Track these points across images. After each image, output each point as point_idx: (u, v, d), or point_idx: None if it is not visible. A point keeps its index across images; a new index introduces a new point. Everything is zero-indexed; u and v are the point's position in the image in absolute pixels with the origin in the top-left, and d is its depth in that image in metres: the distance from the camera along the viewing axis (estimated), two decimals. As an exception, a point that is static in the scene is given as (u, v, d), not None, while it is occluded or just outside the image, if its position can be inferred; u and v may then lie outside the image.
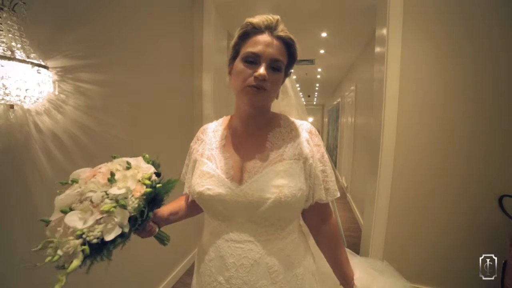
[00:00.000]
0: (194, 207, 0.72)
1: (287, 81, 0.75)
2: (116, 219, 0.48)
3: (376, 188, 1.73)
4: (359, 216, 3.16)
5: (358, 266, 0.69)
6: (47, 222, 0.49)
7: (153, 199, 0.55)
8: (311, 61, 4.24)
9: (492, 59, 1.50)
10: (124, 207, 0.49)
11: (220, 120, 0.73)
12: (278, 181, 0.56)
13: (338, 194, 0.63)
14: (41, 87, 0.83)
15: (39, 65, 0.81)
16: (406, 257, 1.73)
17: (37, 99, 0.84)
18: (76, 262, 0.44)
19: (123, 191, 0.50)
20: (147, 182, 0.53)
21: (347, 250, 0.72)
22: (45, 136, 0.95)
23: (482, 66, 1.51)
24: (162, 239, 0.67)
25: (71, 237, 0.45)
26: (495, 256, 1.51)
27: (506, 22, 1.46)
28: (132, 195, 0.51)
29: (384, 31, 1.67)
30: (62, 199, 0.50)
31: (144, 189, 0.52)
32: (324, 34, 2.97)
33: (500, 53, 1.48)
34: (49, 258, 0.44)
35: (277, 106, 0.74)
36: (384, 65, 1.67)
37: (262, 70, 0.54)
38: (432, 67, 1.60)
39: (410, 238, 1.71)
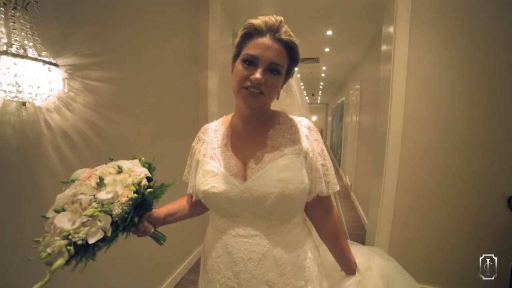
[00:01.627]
0: (197, 206, 0.73)
1: (293, 81, 0.76)
2: (99, 223, 0.49)
3: (382, 187, 1.72)
4: (363, 215, 3.14)
5: (358, 251, 0.74)
6: (46, 218, 0.51)
7: (140, 204, 0.55)
8: (315, 60, 4.22)
9: (498, 58, 1.48)
10: (107, 212, 0.50)
11: (221, 120, 0.74)
12: (281, 175, 0.57)
13: (338, 187, 0.65)
14: (52, 85, 0.84)
15: (50, 63, 0.82)
16: (411, 256, 1.72)
17: (48, 96, 0.85)
18: (60, 261, 0.46)
19: (110, 195, 0.51)
20: (132, 188, 0.53)
21: (348, 240, 0.75)
22: (55, 133, 0.97)
23: (489, 65, 1.49)
24: (158, 239, 0.68)
25: (57, 238, 0.47)
26: (503, 257, 1.49)
27: (511, 22, 1.44)
28: (118, 200, 0.51)
29: (391, 29, 1.66)
30: (60, 197, 0.52)
31: (131, 195, 0.53)
32: (329, 32, 2.94)
33: (507, 52, 1.46)
34: (41, 254, 0.47)
35: (280, 105, 0.76)
36: (390, 63, 1.65)
37: (258, 74, 0.55)
38: (438, 66, 1.58)
39: (415, 237, 1.70)
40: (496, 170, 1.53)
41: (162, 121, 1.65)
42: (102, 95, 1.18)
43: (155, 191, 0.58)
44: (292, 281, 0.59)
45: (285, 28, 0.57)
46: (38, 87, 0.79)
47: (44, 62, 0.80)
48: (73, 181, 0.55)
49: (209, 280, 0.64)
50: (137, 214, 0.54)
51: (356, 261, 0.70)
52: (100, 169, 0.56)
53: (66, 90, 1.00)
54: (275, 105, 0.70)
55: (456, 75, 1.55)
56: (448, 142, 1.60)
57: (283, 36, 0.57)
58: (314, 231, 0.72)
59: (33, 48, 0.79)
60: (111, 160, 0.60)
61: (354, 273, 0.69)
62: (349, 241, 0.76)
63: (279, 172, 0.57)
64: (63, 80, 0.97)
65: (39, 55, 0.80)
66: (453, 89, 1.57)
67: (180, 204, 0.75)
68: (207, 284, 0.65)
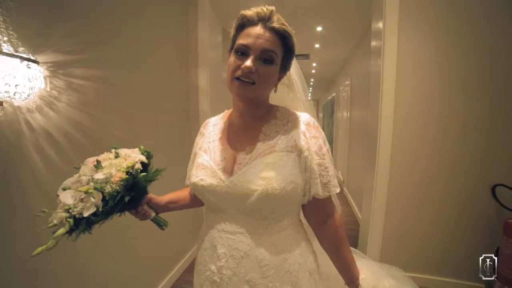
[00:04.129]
0: (196, 198, 0.72)
1: (295, 76, 0.72)
2: (92, 200, 0.56)
3: (374, 181, 1.75)
4: (356, 209, 3.20)
5: (366, 266, 0.66)
6: (58, 196, 0.59)
7: (133, 185, 0.60)
8: (306, 56, 4.22)
9: (488, 51, 1.51)
10: (98, 189, 0.56)
11: (221, 114, 0.73)
12: (266, 173, 0.54)
13: (338, 190, 0.61)
14: (32, 83, 0.79)
15: (29, 60, 0.77)
16: (404, 247, 1.76)
17: (28, 95, 0.80)
18: (61, 230, 0.53)
19: (104, 176, 0.58)
20: (124, 169, 0.60)
21: (356, 251, 0.70)
22: (37, 134, 0.92)
23: (479, 58, 1.52)
24: (160, 224, 0.72)
25: (59, 210, 0.55)
26: (488, 242, 1.56)
27: (503, 13, 1.47)
28: (111, 181, 0.58)
29: (380, 25, 1.67)
30: (68, 180, 0.61)
31: (123, 176, 0.59)
32: (319, 28, 2.95)
33: (497, 46, 1.49)
34: (49, 224, 0.54)
35: (284, 101, 0.72)
36: (380, 59, 1.67)
37: (248, 62, 0.53)
38: (428, 60, 1.60)
39: (408, 229, 1.74)
40: (483, 161, 1.58)
41: (153, 119, 1.60)
42: (88, 93, 1.12)
43: (147, 175, 0.63)
44: (276, 285, 0.56)
45: (277, 16, 0.56)
46: (16, 86, 0.74)
47: (22, 58, 0.75)
48: (82, 165, 0.63)
49: (198, 271, 0.66)
50: (128, 194, 0.59)
51: (361, 277, 0.63)
52: (103, 156, 0.64)
53: (48, 89, 0.95)
54: (280, 101, 0.69)
55: (446, 68, 1.58)
56: (438, 135, 1.64)
57: (275, 25, 0.55)
58: (314, 238, 0.68)
59: (8, 43, 0.74)
60: (114, 148, 0.67)
61: None
62: (360, 253, 0.71)
63: (264, 169, 0.55)
64: (45, 78, 0.92)
65: (16, 51, 0.75)
66: (442, 82, 1.60)
67: (183, 193, 0.78)
68: (197, 275, 0.67)
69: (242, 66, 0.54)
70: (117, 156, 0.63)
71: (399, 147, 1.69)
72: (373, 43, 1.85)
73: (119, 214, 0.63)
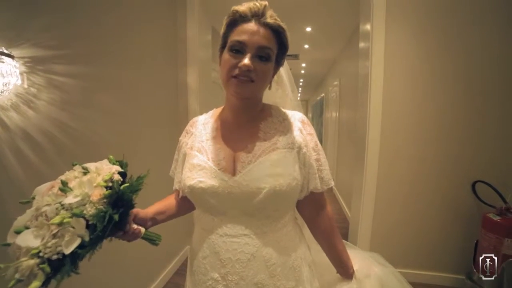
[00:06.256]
0: (185, 204, 0.69)
1: (283, 72, 0.73)
2: (72, 229, 0.45)
3: (363, 180, 1.78)
4: (345, 207, 3.26)
5: (356, 256, 0.69)
6: (9, 245, 0.45)
7: (117, 200, 0.51)
8: (295, 56, 4.26)
9: (476, 53, 1.55)
10: (77, 215, 0.45)
11: (210, 113, 0.71)
12: (273, 170, 0.54)
13: (333, 183, 0.64)
14: (6, 79, 0.74)
15: (2, 53, 0.72)
16: (392, 244, 1.80)
17: (1, 92, 0.75)
18: (34, 284, 0.40)
19: (78, 198, 0.47)
20: (103, 184, 0.49)
21: (345, 242, 0.72)
22: (14, 134, 0.86)
23: (466, 58, 1.57)
24: (153, 240, 0.63)
25: (24, 258, 0.41)
26: (469, 236, 1.63)
27: (491, 12, 1.51)
28: (90, 201, 0.47)
29: (368, 26, 1.70)
30: (20, 218, 0.47)
31: (103, 191, 0.49)
32: (308, 29, 2.98)
33: (485, 47, 1.54)
34: (11, 283, 0.40)
35: (271, 98, 0.73)
36: (368, 60, 1.70)
37: (246, 60, 0.52)
38: (416, 61, 1.64)
39: (396, 226, 1.79)
40: (464, 159, 1.65)
41: (140, 119, 1.55)
42: (70, 91, 1.07)
43: (131, 185, 0.54)
44: (283, 283, 0.56)
45: (270, 12, 0.55)
46: (-12, 81, 0.69)
47: (-5, 52, 0.69)
48: (33, 198, 0.50)
49: (195, 282, 0.60)
50: (116, 212, 0.50)
51: (355, 268, 0.66)
52: (63, 177, 0.52)
53: (26, 86, 0.89)
54: (267, 97, 0.68)
55: (433, 69, 1.62)
56: (422, 136, 1.69)
57: (269, 20, 0.54)
58: (305, 229, 0.70)
59: (-20, 36, 0.68)
60: (74, 165, 0.55)
61: (350, 278, 0.66)
62: (347, 243, 0.74)
63: (271, 166, 0.55)
64: (21, 74, 0.86)
65: (-12, 44, 0.69)
66: (429, 84, 1.64)
67: (169, 201, 0.71)
68: (193, 286, 0.62)
69: (240, 64, 0.52)
70: (85, 172, 0.52)
71: (387, 148, 1.73)
72: (361, 45, 1.89)
73: (109, 239, 0.53)
